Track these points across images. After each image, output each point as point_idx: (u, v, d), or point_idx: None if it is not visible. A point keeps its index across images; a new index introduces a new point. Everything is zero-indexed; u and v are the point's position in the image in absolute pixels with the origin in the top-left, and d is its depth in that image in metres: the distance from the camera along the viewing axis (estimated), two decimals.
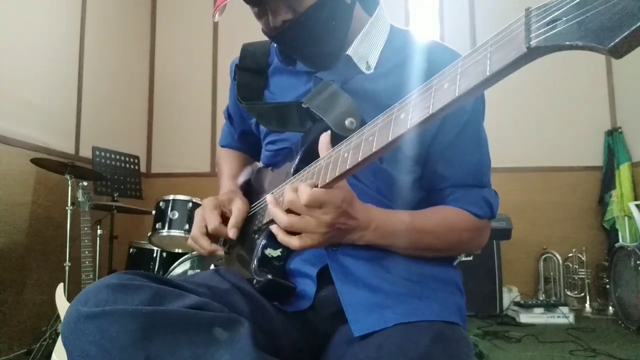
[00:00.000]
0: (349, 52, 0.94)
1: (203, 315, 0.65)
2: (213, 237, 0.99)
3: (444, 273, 0.92)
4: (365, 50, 0.95)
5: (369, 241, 0.82)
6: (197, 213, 1.01)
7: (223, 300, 0.78)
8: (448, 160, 0.92)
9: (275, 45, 1.08)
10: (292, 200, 0.74)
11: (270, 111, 1.01)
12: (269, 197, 0.82)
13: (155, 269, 2.96)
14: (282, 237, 0.79)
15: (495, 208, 0.94)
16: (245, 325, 0.67)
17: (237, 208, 0.99)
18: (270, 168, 1.07)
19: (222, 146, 1.32)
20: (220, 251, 0.98)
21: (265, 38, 1.01)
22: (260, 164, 1.16)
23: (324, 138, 0.77)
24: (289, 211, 0.77)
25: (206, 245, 0.97)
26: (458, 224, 0.90)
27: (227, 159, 1.26)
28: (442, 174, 0.92)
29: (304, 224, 0.75)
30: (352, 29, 0.95)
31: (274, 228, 0.81)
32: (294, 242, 0.78)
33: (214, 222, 0.97)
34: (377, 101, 0.90)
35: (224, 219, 0.99)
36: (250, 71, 1.08)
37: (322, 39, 0.92)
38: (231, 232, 0.96)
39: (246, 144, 1.25)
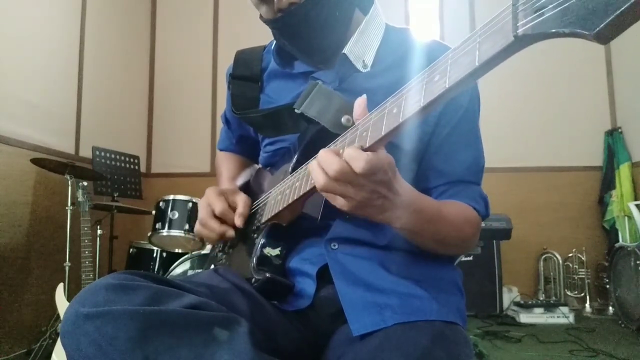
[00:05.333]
0: (345, 51, 0.94)
1: (202, 315, 0.65)
2: (221, 221, 0.98)
3: (444, 273, 0.92)
4: (361, 49, 0.95)
5: (404, 225, 0.75)
6: (201, 202, 1.01)
7: (223, 300, 0.77)
8: (445, 155, 0.91)
9: (266, 47, 1.09)
10: (341, 170, 0.65)
11: (263, 119, 1.01)
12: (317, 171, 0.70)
13: (155, 269, 2.96)
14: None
15: (489, 208, 0.94)
16: (244, 324, 0.66)
17: (243, 200, 0.99)
18: (268, 169, 1.07)
19: (221, 150, 1.32)
20: (231, 232, 0.96)
21: (258, 44, 1.01)
22: (258, 166, 1.17)
23: (361, 102, 0.71)
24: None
25: (216, 226, 0.96)
26: (468, 217, 0.88)
27: (226, 162, 1.27)
28: (439, 169, 0.92)
29: (343, 190, 0.67)
30: (350, 27, 0.95)
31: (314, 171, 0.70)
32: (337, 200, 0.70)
33: (221, 205, 0.96)
34: (374, 99, 0.90)
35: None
36: (244, 79, 1.09)
37: (325, 29, 0.92)
38: (238, 220, 0.95)
39: (244, 147, 1.25)
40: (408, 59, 0.93)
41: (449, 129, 0.91)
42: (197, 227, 1.00)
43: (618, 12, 0.32)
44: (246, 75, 1.09)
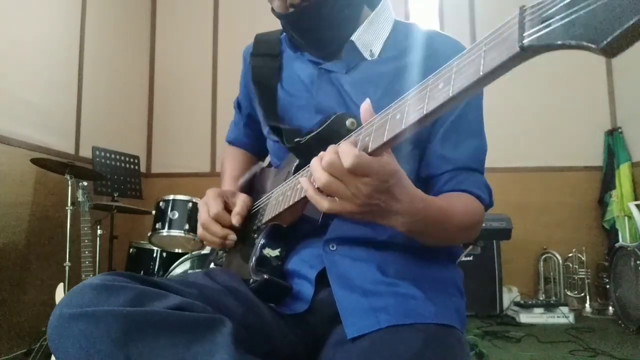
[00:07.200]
0: (353, 38, 0.95)
1: (184, 316, 0.65)
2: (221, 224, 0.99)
3: (444, 274, 0.91)
4: (369, 38, 0.96)
5: (410, 229, 0.75)
6: (201, 203, 1.01)
7: (213, 301, 0.78)
8: (452, 142, 0.91)
9: (284, 33, 1.09)
10: (332, 163, 0.65)
11: (279, 129, 1.00)
12: (314, 160, 0.71)
13: (155, 269, 2.96)
14: (311, 193, 0.71)
15: (493, 197, 0.93)
16: (228, 325, 0.66)
17: (242, 200, 0.99)
18: (272, 168, 1.07)
19: (229, 142, 1.32)
20: (233, 236, 0.97)
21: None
22: (263, 164, 1.17)
23: (367, 107, 0.70)
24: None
25: (218, 230, 0.96)
26: (474, 210, 0.88)
27: (231, 160, 1.27)
28: (446, 156, 0.91)
29: (342, 190, 0.67)
30: (358, 24, 0.96)
31: (303, 181, 0.73)
32: (323, 203, 0.70)
33: (216, 207, 0.97)
34: (381, 84, 0.92)
35: (227, 210, 0.99)
36: (265, 56, 1.09)
37: (334, 26, 0.94)
38: (235, 218, 0.96)
39: (252, 132, 1.25)
40: (414, 49, 0.94)
41: (455, 116, 0.90)
42: (200, 230, 1.00)
43: (626, 25, 0.31)
44: (267, 52, 1.09)
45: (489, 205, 0.92)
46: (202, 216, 0.98)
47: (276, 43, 1.10)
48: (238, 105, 1.27)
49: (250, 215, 1.00)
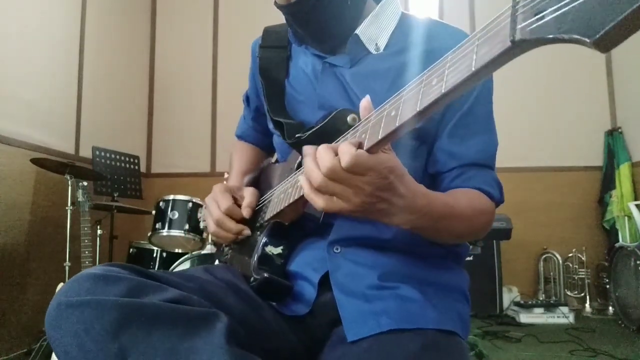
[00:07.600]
0: (358, 31, 0.93)
1: (179, 309, 0.65)
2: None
3: (449, 279, 0.90)
4: (374, 32, 0.95)
5: (414, 226, 0.73)
6: (209, 200, 1.00)
7: (212, 296, 0.77)
8: (461, 137, 0.89)
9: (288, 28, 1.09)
10: (332, 168, 0.63)
11: (281, 124, 1.00)
12: (306, 148, 0.69)
13: (155, 269, 2.95)
14: (307, 192, 0.68)
15: (503, 193, 0.91)
16: (223, 320, 0.66)
17: (250, 192, 0.99)
18: (278, 164, 1.06)
19: (238, 136, 1.32)
20: (247, 230, 0.96)
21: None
22: (271, 159, 1.17)
23: (366, 105, 0.69)
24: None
25: (233, 225, 0.95)
26: (481, 206, 0.86)
27: (239, 154, 1.26)
28: (453, 152, 0.89)
29: (340, 190, 0.65)
30: (361, 16, 0.96)
31: (302, 179, 0.71)
32: (319, 202, 0.67)
33: (226, 202, 0.95)
34: (387, 78, 0.91)
35: (236, 205, 0.98)
36: (273, 48, 1.08)
37: (336, 17, 0.93)
38: (245, 211, 0.95)
39: (259, 126, 1.24)
40: (418, 42, 0.93)
41: (464, 111, 0.89)
42: (212, 228, 0.98)
43: (620, 17, 0.30)
44: (275, 44, 1.08)
45: (499, 201, 0.90)
46: (214, 213, 0.97)
47: (285, 35, 1.08)
48: (247, 99, 1.26)
49: (255, 212, 1.00)
